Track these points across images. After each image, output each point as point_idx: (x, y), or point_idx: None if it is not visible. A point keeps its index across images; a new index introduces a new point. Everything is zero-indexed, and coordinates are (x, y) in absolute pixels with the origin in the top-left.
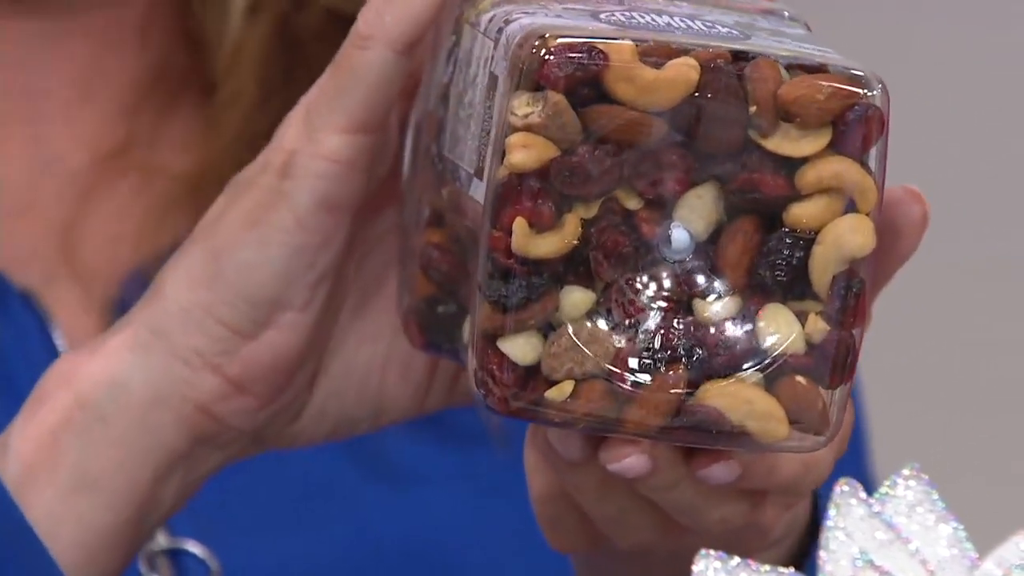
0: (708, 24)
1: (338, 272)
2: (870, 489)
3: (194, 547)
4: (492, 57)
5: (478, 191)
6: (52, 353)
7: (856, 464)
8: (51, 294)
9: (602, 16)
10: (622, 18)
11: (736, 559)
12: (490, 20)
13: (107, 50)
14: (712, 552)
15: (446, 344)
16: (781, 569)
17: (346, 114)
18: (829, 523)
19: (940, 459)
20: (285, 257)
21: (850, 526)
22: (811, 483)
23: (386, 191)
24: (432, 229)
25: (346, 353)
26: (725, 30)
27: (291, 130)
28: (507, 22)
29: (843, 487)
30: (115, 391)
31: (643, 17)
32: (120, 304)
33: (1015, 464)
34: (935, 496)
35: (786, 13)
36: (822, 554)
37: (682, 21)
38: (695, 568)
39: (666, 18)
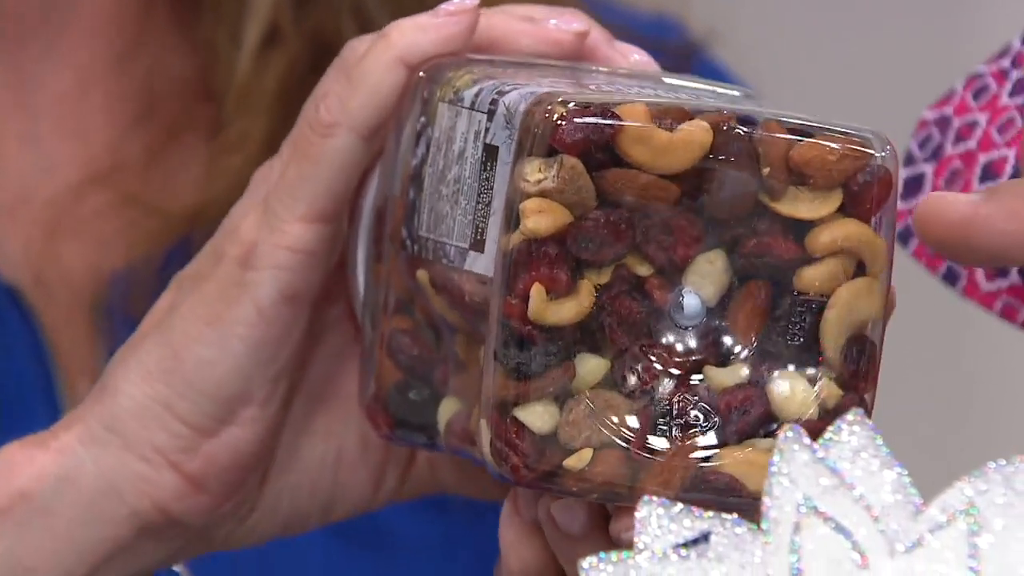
0: (693, 94)
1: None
2: None
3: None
4: (486, 129)
5: (477, 263)
6: (36, 350)
7: None
8: (37, 292)
9: (591, 87)
10: (610, 89)
11: (679, 505)
12: (476, 94)
13: (102, 64)
14: (655, 499)
15: (418, 431)
16: (724, 515)
17: (308, 203)
18: (773, 469)
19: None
20: (247, 352)
21: (794, 472)
22: None
23: (330, 282)
24: (399, 316)
25: (299, 450)
26: (712, 100)
27: (249, 220)
28: (501, 93)
29: (787, 433)
30: (62, 485)
31: (629, 89)
32: (106, 306)
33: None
34: (879, 442)
35: (738, 90)
36: (766, 500)
37: (668, 93)
38: (638, 514)
39: (650, 89)
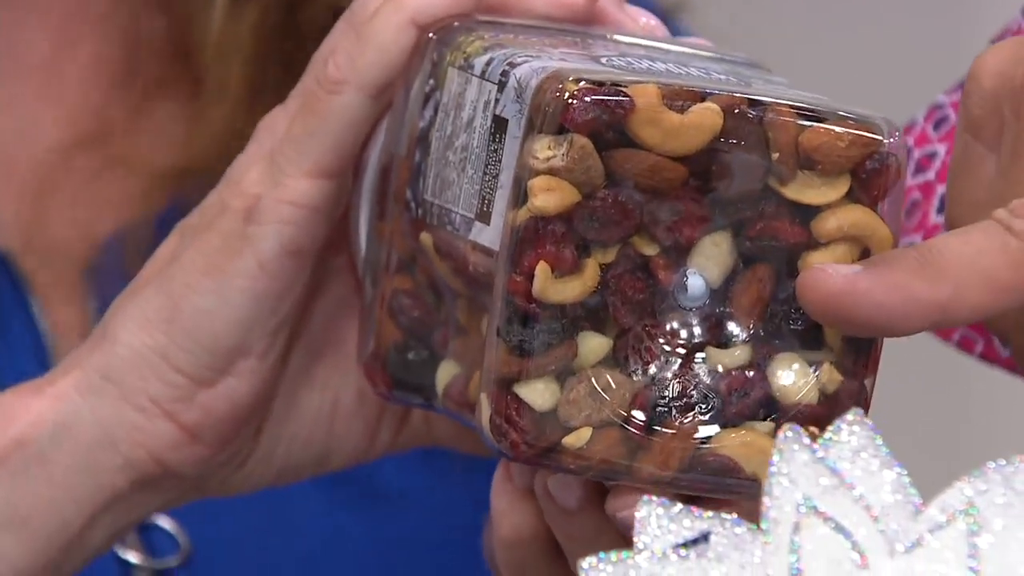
0: (703, 70)
1: (294, 318)
2: None
3: (164, 522)
4: (496, 100)
5: (482, 235)
6: (28, 316)
7: None
8: (28, 257)
9: (603, 60)
10: (622, 63)
11: (679, 505)
12: (487, 63)
13: (79, 25)
14: (655, 498)
15: (415, 391)
16: (724, 515)
17: (314, 159)
18: (773, 469)
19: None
20: (247, 304)
21: (794, 472)
22: None
23: (334, 232)
24: (401, 275)
25: (297, 400)
26: (723, 76)
27: (253, 173)
28: (512, 65)
29: (787, 433)
30: (59, 432)
31: (640, 63)
32: (99, 271)
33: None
34: (879, 442)
35: (742, 58)
36: (766, 500)
37: (677, 67)
38: (638, 514)
39: (660, 64)
